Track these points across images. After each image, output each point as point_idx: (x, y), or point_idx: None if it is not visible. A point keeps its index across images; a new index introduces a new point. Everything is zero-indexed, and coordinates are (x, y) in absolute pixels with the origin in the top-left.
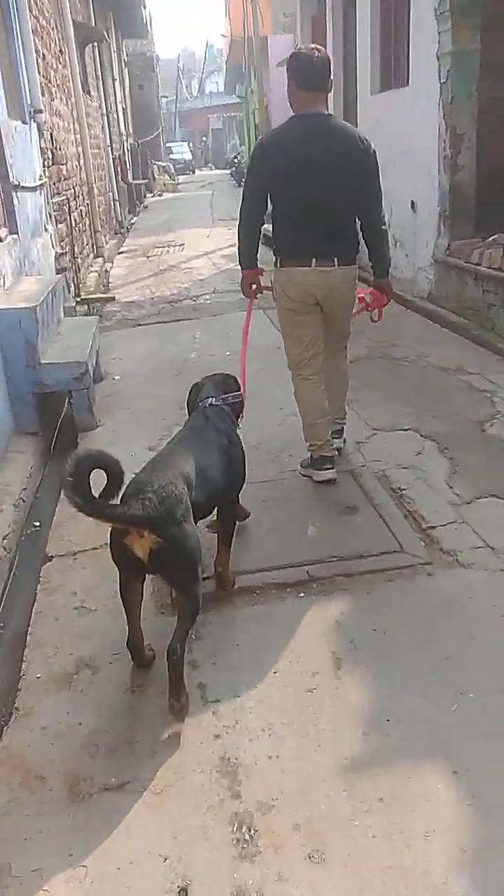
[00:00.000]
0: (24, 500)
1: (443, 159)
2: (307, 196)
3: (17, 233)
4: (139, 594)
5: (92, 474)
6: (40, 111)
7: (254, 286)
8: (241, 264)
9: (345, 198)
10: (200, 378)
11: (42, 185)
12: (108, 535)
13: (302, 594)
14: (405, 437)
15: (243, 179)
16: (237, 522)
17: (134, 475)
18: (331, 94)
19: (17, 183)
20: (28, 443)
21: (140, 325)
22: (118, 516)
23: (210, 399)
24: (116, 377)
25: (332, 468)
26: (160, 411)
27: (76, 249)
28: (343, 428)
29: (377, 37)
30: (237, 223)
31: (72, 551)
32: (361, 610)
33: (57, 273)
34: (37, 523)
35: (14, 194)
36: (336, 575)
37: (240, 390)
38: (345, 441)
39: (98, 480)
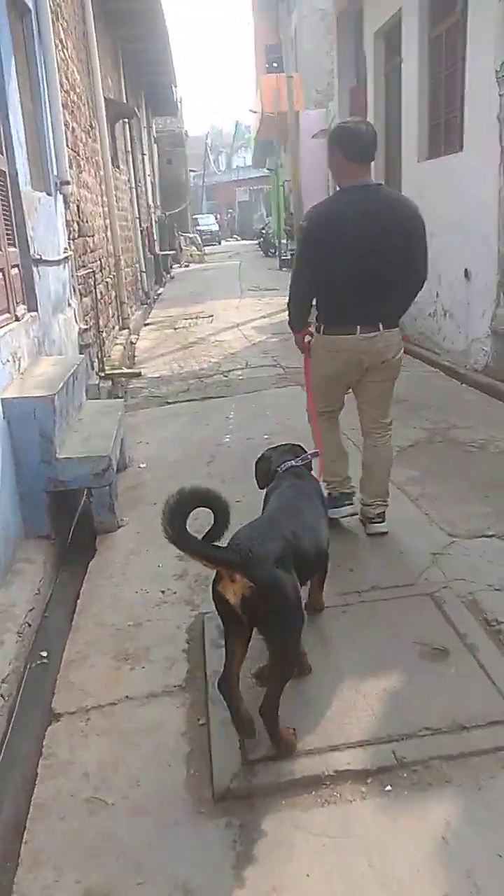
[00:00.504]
0: (29, 625)
1: (502, 226)
2: (359, 269)
3: (36, 310)
4: (242, 656)
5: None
6: (67, 183)
7: (307, 338)
8: (292, 329)
9: (396, 267)
10: (255, 457)
11: (67, 258)
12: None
13: (388, 787)
14: (491, 547)
15: (271, 250)
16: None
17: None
18: (372, 164)
19: (38, 256)
20: (38, 549)
21: (168, 402)
22: (206, 553)
23: (290, 461)
24: (142, 465)
25: (351, 504)
26: None
27: (101, 322)
28: (384, 512)
29: (425, 102)
30: (287, 298)
31: (84, 707)
32: (475, 817)
33: (80, 350)
34: (44, 653)
35: (35, 269)
36: (432, 758)
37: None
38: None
39: None
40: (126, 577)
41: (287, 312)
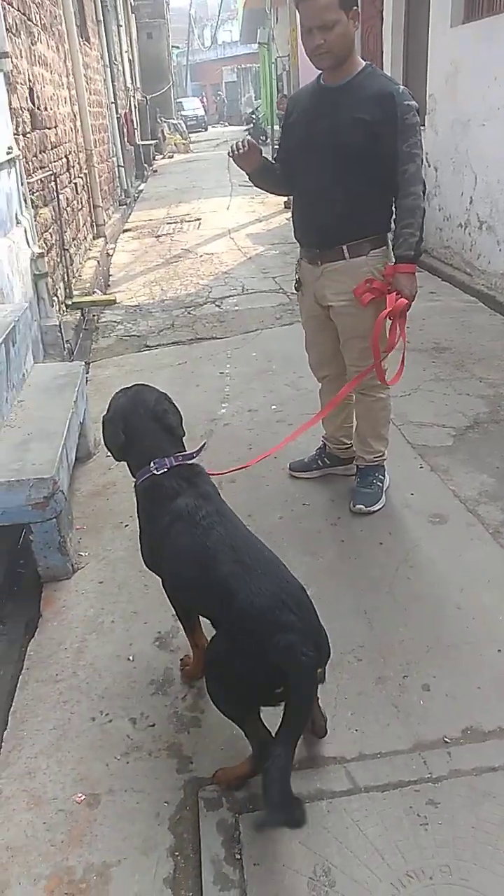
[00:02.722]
0: None
1: None
2: None
3: None
4: None
5: None
6: (5, 54)
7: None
8: (419, 255)
9: None
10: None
11: (11, 159)
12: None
13: None
14: None
15: (262, 137)
16: None
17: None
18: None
19: None
20: None
21: (147, 346)
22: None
23: (166, 460)
24: None
25: None
26: None
27: (68, 236)
28: None
29: None
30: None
31: None
32: None
33: (35, 284)
34: None
35: None
36: None
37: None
38: None
39: None
40: (79, 682)
41: (420, 225)
